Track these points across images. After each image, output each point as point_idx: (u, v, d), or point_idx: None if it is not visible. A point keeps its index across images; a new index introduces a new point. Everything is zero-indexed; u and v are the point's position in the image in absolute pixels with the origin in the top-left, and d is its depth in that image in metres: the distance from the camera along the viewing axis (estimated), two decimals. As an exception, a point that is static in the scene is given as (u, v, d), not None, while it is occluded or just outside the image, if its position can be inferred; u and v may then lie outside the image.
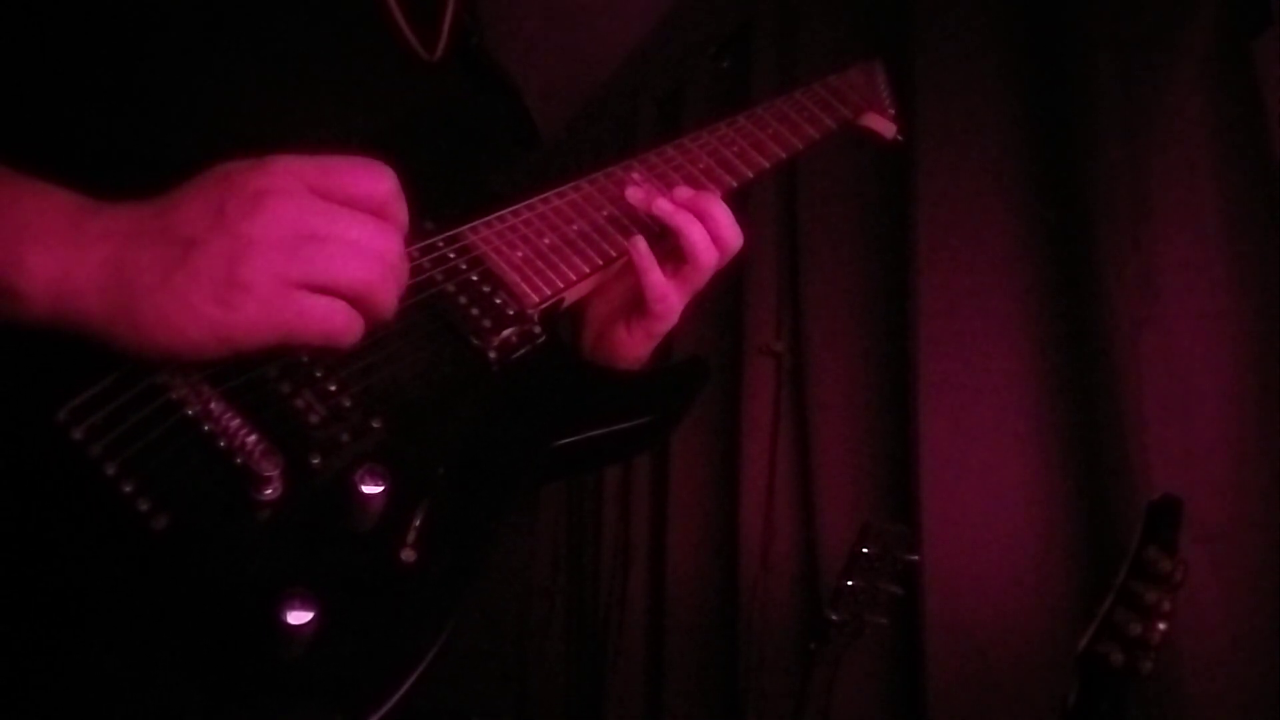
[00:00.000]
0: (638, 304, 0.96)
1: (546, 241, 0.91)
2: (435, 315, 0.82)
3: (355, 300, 0.68)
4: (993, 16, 2.06)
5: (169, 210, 0.66)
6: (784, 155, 1.08)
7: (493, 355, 0.82)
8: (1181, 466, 1.63)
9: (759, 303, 2.54)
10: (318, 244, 0.66)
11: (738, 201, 1.04)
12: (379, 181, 0.71)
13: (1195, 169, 1.69)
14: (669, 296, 0.95)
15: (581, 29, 3.06)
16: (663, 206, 0.96)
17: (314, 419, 0.70)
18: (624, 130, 3.33)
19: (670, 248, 0.97)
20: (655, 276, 0.94)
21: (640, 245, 0.94)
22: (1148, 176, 1.74)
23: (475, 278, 0.85)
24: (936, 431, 1.97)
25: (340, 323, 0.68)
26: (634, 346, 0.98)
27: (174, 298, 0.63)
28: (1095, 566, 1.72)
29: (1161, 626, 1.23)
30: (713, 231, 0.96)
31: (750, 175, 1.04)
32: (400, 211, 0.72)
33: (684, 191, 0.98)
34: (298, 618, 0.59)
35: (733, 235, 0.98)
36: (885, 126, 1.19)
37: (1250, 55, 1.66)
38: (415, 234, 0.79)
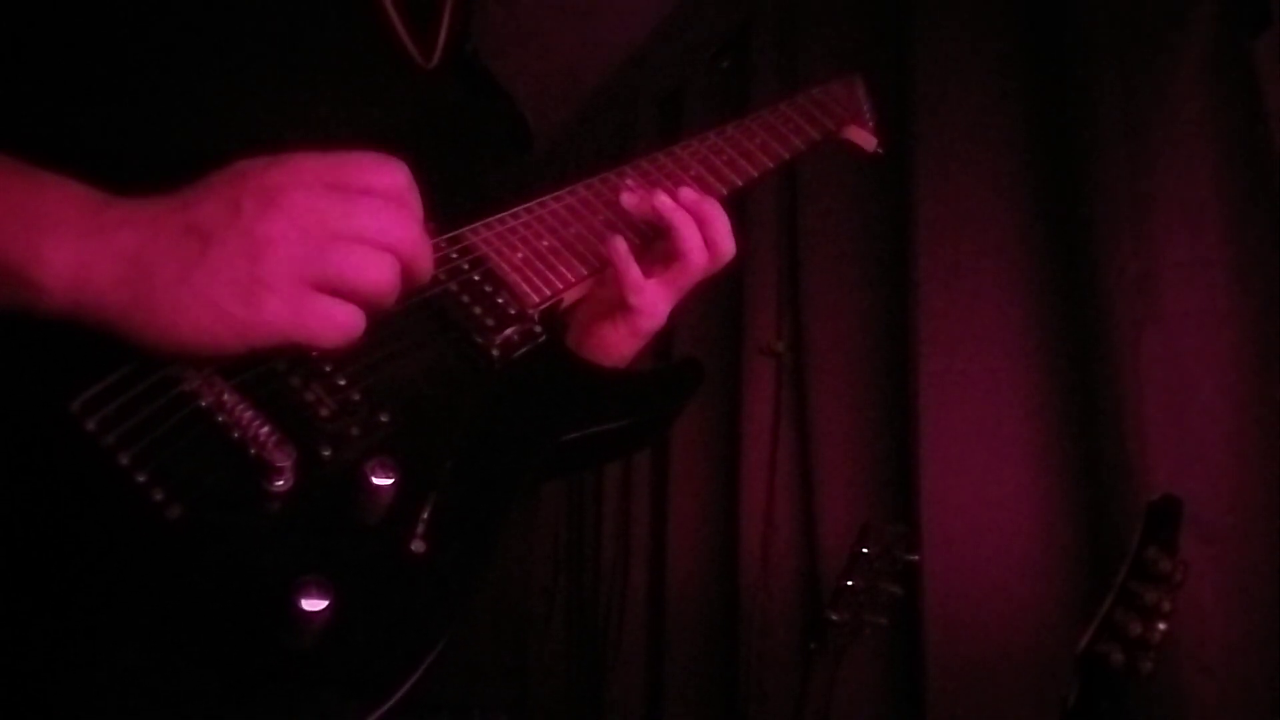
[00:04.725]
0: (621, 302, 0.98)
1: (545, 244, 0.93)
2: (439, 314, 0.83)
3: (368, 302, 0.69)
4: (992, 16, 2.07)
5: (187, 205, 0.66)
6: (770, 164, 1.11)
7: (496, 353, 0.84)
8: (1181, 466, 1.63)
9: (759, 303, 2.55)
10: (335, 244, 0.67)
11: (734, 204, 1.06)
12: (393, 175, 0.72)
13: (1195, 169, 1.69)
14: (646, 291, 0.98)
15: (582, 29, 3.06)
16: (663, 202, 0.98)
17: (324, 412, 0.71)
18: (624, 129, 3.34)
19: (663, 249, 1.00)
20: (634, 274, 0.97)
21: (619, 245, 0.96)
22: (1148, 176, 1.74)
23: (477, 278, 0.87)
24: (936, 431, 1.97)
25: (354, 327, 0.69)
26: (619, 344, 1.01)
27: (194, 293, 0.64)
28: (1095, 566, 1.72)
29: (1161, 626, 1.23)
30: (708, 236, 0.99)
31: (739, 183, 1.07)
32: (414, 204, 0.73)
33: (689, 193, 1.00)
34: (313, 605, 0.60)
35: (727, 242, 1.00)
36: (866, 139, 1.23)
37: (1250, 55, 1.66)
38: None
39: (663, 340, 1.04)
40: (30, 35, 0.76)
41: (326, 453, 0.69)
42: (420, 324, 0.81)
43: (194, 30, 0.80)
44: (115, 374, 0.66)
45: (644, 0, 2.96)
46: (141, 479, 0.63)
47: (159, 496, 0.63)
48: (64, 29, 0.76)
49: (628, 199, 0.99)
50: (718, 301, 2.64)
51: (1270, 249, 1.60)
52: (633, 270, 0.96)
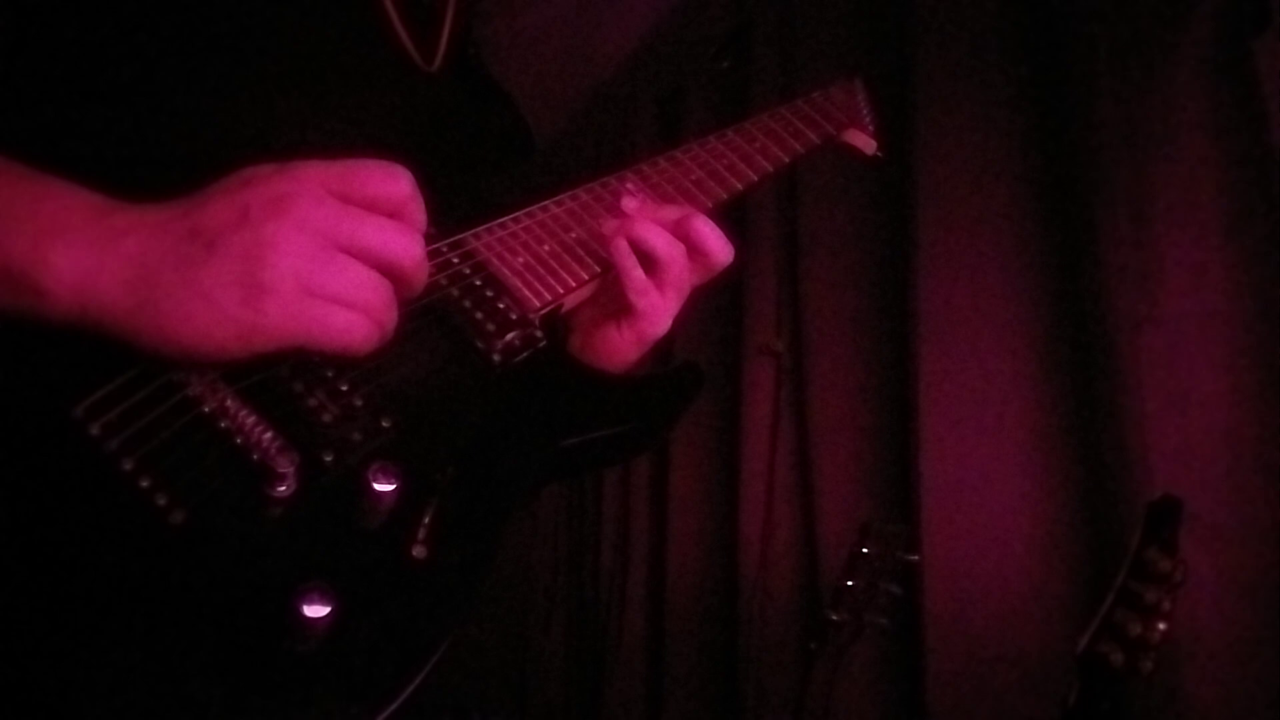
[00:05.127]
0: (626, 305, 0.97)
1: (546, 248, 0.93)
2: (440, 319, 0.83)
3: (372, 311, 0.69)
4: (992, 17, 2.06)
5: (193, 211, 0.66)
6: (770, 169, 1.10)
7: (497, 358, 0.84)
8: (1181, 466, 1.63)
9: (759, 302, 2.55)
10: (339, 252, 0.67)
11: (733, 205, 1.05)
12: (397, 183, 0.72)
13: (1195, 169, 1.70)
14: (650, 294, 0.96)
15: (582, 29, 3.06)
16: (639, 229, 0.95)
17: (327, 418, 0.71)
18: (624, 130, 3.33)
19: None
20: (637, 276, 0.95)
21: (621, 245, 0.95)
22: (1148, 176, 1.74)
23: (479, 283, 0.87)
24: (936, 431, 1.97)
25: (359, 334, 0.69)
26: (623, 349, 0.99)
27: (198, 296, 0.64)
28: (1095, 566, 1.73)
29: (1161, 626, 1.23)
30: (701, 248, 0.97)
31: (740, 187, 1.07)
32: (418, 212, 0.73)
33: (672, 211, 0.99)
34: (315, 611, 0.60)
35: (720, 251, 0.98)
36: (866, 143, 1.23)
37: (1250, 55, 1.66)
38: None
39: (664, 341, 1.04)
40: (35, 39, 0.76)
41: (328, 458, 0.69)
42: (422, 329, 0.81)
43: (197, 35, 0.80)
44: (118, 379, 0.66)
45: (644, 0, 2.96)
46: (144, 484, 0.63)
47: (162, 502, 0.63)
48: (68, 34, 0.77)
49: (628, 204, 0.99)
50: (717, 300, 2.64)
51: (1270, 249, 1.61)
52: (636, 272, 0.95)
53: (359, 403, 0.73)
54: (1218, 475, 1.61)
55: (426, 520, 0.69)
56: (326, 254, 0.67)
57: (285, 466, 0.65)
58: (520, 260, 0.91)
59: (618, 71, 3.30)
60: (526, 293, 0.89)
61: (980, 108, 2.04)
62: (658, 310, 0.98)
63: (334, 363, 0.72)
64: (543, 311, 0.90)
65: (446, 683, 0.67)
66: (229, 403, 0.68)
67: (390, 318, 0.71)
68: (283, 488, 0.65)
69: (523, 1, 2.80)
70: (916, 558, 1.80)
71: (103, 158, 0.71)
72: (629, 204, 0.99)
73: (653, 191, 1.02)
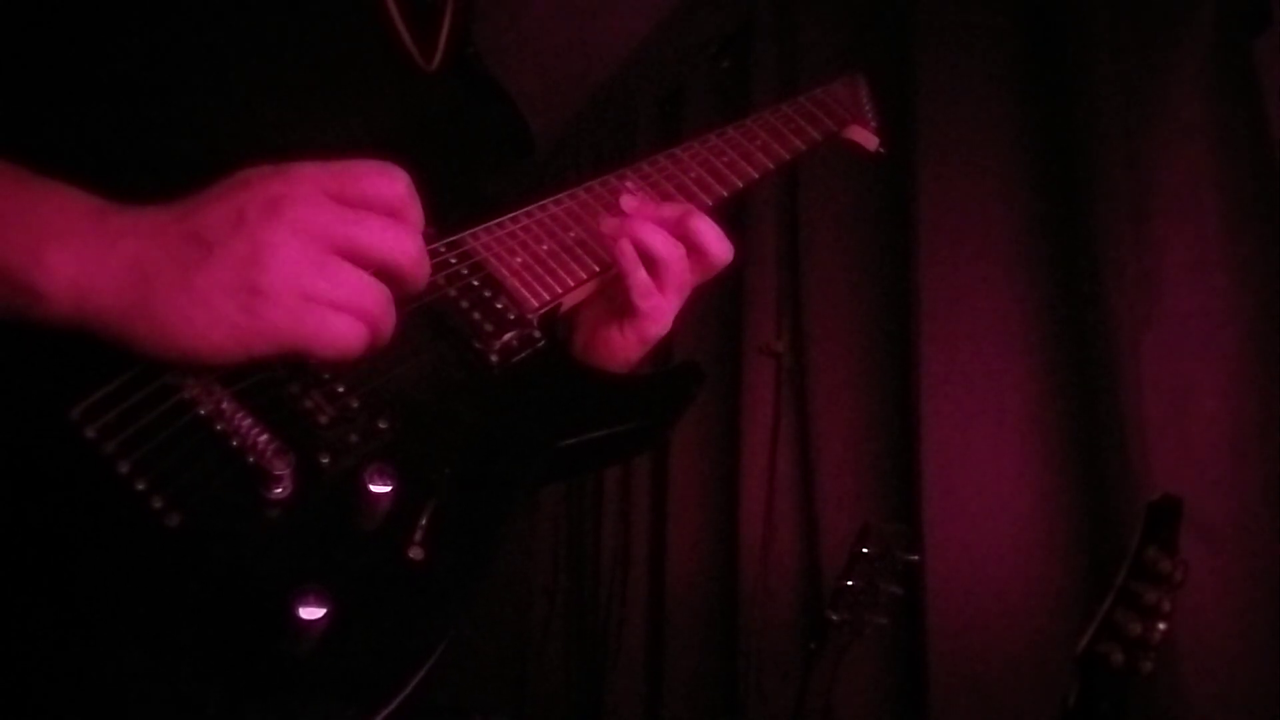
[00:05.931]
0: (629, 306, 0.97)
1: (545, 248, 0.93)
2: (438, 319, 0.83)
3: (367, 315, 0.69)
4: (993, 16, 2.06)
5: (190, 213, 0.66)
6: (772, 166, 1.10)
7: (494, 359, 0.84)
8: (1181, 466, 1.63)
9: (759, 302, 2.55)
10: (335, 256, 0.68)
11: (736, 203, 1.05)
12: (393, 183, 0.72)
13: (1195, 169, 1.69)
14: (653, 295, 0.96)
15: (582, 29, 3.06)
16: (639, 231, 0.94)
17: (323, 419, 0.71)
18: (624, 130, 3.33)
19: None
20: (641, 278, 0.95)
21: (626, 248, 0.95)
22: (1148, 177, 1.74)
23: (477, 283, 0.87)
24: (936, 431, 1.97)
25: (354, 339, 0.69)
26: (625, 349, 1.00)
27: (194, 299, 0.64)
28: (1095, 566, 1.72)
29: (1161, 626, 1.23)
30: (700, 247, 0.97)
31: (740, 185, 1.07)
32: (415, 213, 0.73)
33: (671, 210, 0.98)
34: (310, 613, 0.60)
35: (719, 250, 0.98)
36: (868, 139, 1.22)
37: (1250, 55, 1.66)
38: None
39: (663, 341, 1.03)
40: (32, 40, 0.76)
41: (325, 460, 0.69)
42: (420, 330, 0.81)
43: (196, 35, 0.80)
44: (115, 381, 0.66)
45: (644, 0, 2.96)
46: (141, 487, 0.63)
47: (158, 504, 0.63)
48: (66, 35, 0.76)
49: (628, 202, 0.99)
50: (717, 301, 2.64)
51: (1270, 249, 1.60)
52: (640, 274, 0.95)
53: (356, 404, 0.73)
54: (1218, 475, 1.61)
55: (424, 522, 0.69)
56: (323, 259, 0.67)
57: (281, 469, 0.65)
58: (518, 260, 0.91)
59: (618, 71, 3.30)
60: (525, 292, 0.89)
61: (981, 109, 2.04)
62: (660, 311, 0.98)
63: (329, 367, 0.72)
64: (541, 311, 0.90)
65: (446, 683, 0.67)
66: (225, 405, 0.68)
67: (387, 321, 0.71)
68: (279, 490, 0.66)
69: (523, 0, 2.80)
70: (916, 558, 1.80)
71: (100, 160, 0.71)
72: (628, 203, 0.99)
73: (653, 190, 1.02)
